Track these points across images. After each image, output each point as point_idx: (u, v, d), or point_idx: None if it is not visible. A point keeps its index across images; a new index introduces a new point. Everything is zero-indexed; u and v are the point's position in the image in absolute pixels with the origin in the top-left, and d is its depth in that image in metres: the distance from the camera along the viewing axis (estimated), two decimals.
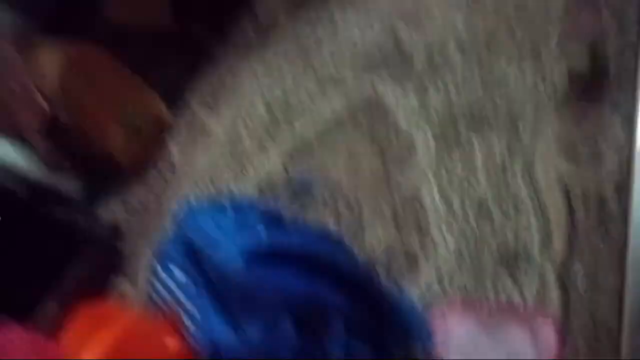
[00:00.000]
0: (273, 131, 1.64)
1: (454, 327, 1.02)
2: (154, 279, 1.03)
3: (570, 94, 1.18)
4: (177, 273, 0.98)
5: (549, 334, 0.93)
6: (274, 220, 1.05)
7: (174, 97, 1.71)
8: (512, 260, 1.06)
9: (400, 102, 1.42)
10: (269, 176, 1.54)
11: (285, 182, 1.49)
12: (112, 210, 1.50)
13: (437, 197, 1.22)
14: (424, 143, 1.31)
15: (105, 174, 1.54)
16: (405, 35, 1.55)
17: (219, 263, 0.94)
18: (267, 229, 0.98)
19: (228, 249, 0.92)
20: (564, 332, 0.93)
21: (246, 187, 1.56)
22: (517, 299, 1.02)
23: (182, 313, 0.95)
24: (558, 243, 1.03)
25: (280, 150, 1.56)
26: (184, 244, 0.99)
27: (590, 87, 1.15)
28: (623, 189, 1.01)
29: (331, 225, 1.32)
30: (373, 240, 1.24)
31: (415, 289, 1.12)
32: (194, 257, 0.98)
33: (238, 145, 1.67)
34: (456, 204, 1.18)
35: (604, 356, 0.87)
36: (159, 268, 1.02)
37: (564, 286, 0.98)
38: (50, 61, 1.33)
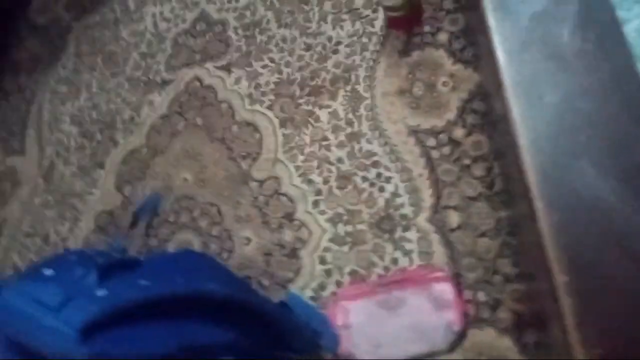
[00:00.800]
0: (94, 151, 1.40)
1: (352, 314, 0.94)
2: None
3: (392, 34, 1.14)
4: None
5: (445, 289, 0.90)
6: (116, 267, 0.85)
7: None
8: (388, 225, 1.00)
9: (230, 88, 1.28)
10: (104, 207, 1.30)
11: (124, 208, 1.27)
12: None
13: (297, 180, 1.12)
14: (268, 125, 1.19)
15: None
16: (216, 14, 1.39)
17: (55, 349, 0.72)
18: (107, 284, 0.77)
19: (58, 330, 0.70)
20: (458, 282, 0.90)
21: (81, 230, 1.31)
22: (404, 262, 0.97)
23: None
24: (425, 191, 1.00)
25: (109, 172, 1.33)
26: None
27: (409, 23, 1.12)
28: (467, 121, 1.00)
29: (192, 242, 1.15)
30: (243, 245, 1.11)
31: (302, 284, 1.03)
32: (19, 350, 0.74)
33: (58, 181, 1.40)
34: (318, 182, 1.10)
35: (504, 302, 0.86)
36: None
37: (443, 234, 0.96)
38: None
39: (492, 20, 0.43)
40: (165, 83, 1.38)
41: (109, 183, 1.33)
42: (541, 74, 0.40)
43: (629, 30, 0.37)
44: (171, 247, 1.16)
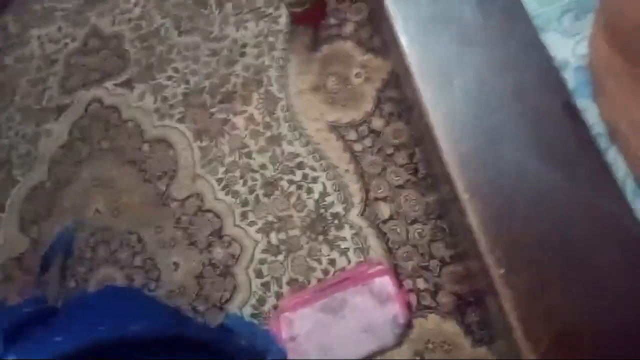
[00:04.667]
0: None
1: (296, 324, 0.90)
2: None
3: (298, 30, 1.11)
4: None
5: (385, 283, 0.88)
6: (27, 324, 0.75)
7: None
8: (321, 226, 0.97)
9: (134, 105, 1.19)
10: (10, 254, 1.17)
11: (33, 251, 1.15)
12: None
13: (220, 194, 1.06)
14: (182, 140, 1.12)
15: None
16: (108, 28, 1.29)
17: None
18: (16, 347, 0.68)
19: None
20: (397, 274, 0.89)
21: None
22: (342, 262, 0.94)
23: None
24: (353, 186, 0.98)
25: (11, 214, 1.19)
26: None
27: (314, 17, 1.09)
28: (384, 110, 0.99)
29: (114, 276, 1.06)
30: (171, 272, 1.03)
31: (240, 303, 0.97)
32: None
33: None
34: (244, 192, 1.05)
35: (443, 286, 0.86)
36: None
37: (377, 227, 0.94)
38: None
39: (390, 5, 0.40)
40: (61, 109, 1.26)
41: (12, 226, 1.19)
42: (448, 55, 0.38)
43: (528, 0, 0.36)
44: (92, 286, 1.06)
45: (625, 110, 0.29)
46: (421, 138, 0.82)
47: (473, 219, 0.31)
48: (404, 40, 0.39)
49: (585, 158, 0.33)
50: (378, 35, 1.05)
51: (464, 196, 0.32)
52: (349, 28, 1.08)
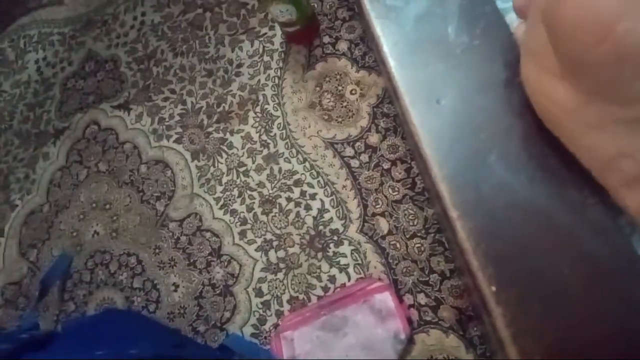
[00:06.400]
0: None
1: (297, 343, 0.89)
2: None
3: (293, 49, 1.12)
4: None
5: (385, 299, 0.88)
6: (24, 350, 0.75)
7: None
8: (320, 243, 0.97)
9: (131, 127, 1.20)
10: (9, 278, 1.17)
11: (32, 275, 1.15)
12: None
13: (219, 213, 1.06)
14: (179, 160, 1.13)
15: None
16: (104, 52, 1.31)
17: None
18: None
19: None
20: (398, 289, 0.89)
21: None
22: (342, 278, 0.94)
23: None
24: (352, 202, 0.98)
25: (10, 239, 1.19)
26: None
27: (308, 36, 1.10)
28: (380, 125, 1.00)
29: (113, 299, 1.05)
30: (171, 292, 1.03)
31: (241, 322, 0.97)
32: None
33: None
34: (242, 211, 1.05)
35: (444, 300, 0.85)
36: None
37: (376, 242, 0.94)
38: None
39: (377, 28, 0.41)
40: (59, 132, 1.27)
41: (11, 251, 1.20)
42: (434, 76, 0.38)
43: (511, 20, 0.36)
44: (91, 309, 1.06)
45: (589, 151, 0.28)
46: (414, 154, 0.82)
47: (463, 237, 0.32)
48: (391, 62, 0.39)
49: (573, 176, 0.33)
50: (371, 52, 1.06)
51: (454, 214, 0.32)
52: (342, 46, 1.09)
